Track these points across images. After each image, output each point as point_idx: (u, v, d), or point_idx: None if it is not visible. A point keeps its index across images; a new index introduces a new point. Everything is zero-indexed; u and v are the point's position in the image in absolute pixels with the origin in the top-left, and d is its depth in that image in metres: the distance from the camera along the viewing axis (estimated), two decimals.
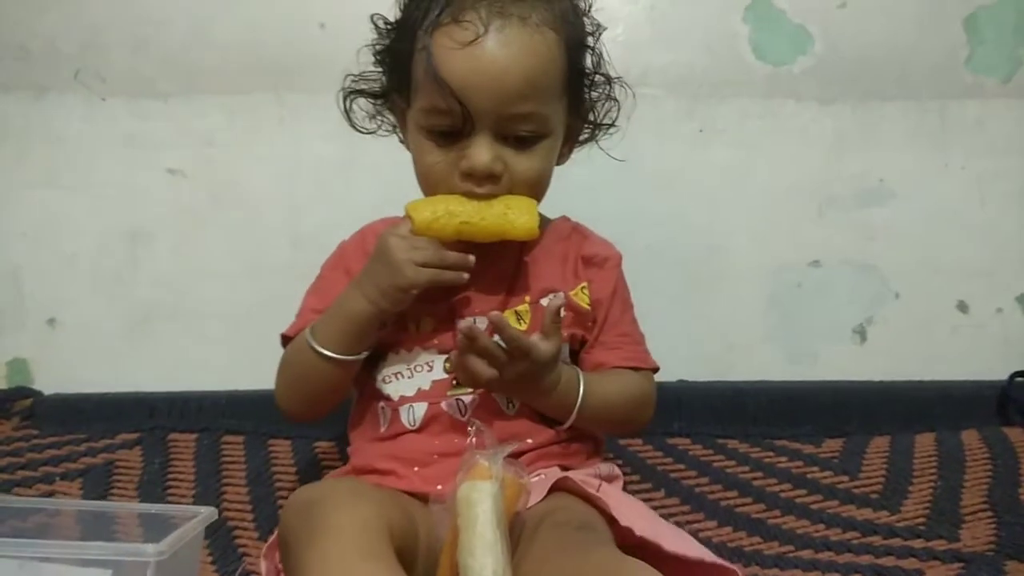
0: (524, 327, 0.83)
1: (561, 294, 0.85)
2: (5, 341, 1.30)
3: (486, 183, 0.79)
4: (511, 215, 0.79)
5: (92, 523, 0.77)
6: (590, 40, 0.85)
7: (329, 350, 0.79)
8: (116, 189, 1.30)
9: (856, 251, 1.33)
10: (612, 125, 0.90)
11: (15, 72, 1.30)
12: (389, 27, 0.86)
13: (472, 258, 0.79)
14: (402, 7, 0.85)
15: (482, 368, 0.76)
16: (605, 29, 0.87)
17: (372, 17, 0.86)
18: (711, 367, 1.28)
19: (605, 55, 0.87)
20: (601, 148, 0.92)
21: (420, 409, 0.81)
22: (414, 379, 0.82)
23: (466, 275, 0.79)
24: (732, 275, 1.33)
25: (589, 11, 0.86)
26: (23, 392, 1.23)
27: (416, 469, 0.79)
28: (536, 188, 0.83)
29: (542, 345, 0.77)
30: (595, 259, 0.90)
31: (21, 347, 1.30)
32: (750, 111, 1.33)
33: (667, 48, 1.34)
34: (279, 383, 0.86)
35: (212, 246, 1.31)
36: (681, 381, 1.26)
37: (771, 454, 1.10)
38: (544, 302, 0.85)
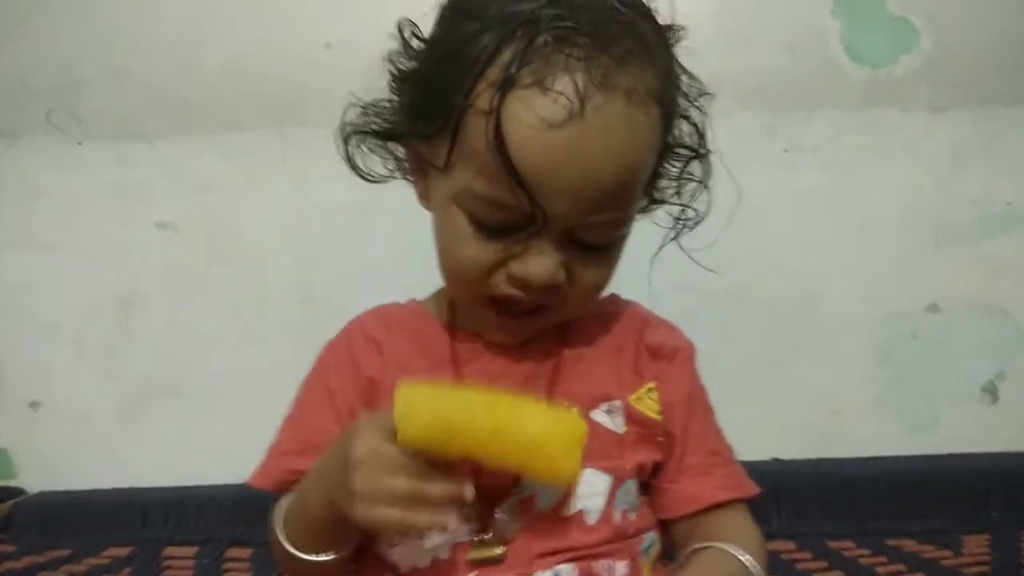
0: None
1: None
2: None
3: (540, 295, 0.60)
4: (545, 450, 0.56)
5: None
6: (686, 103, 0.67)
7: (300, 551, 0.61)
8: (100, 248, 1.12)
9: (981, 291, 1.10)
10: (697, 221, 0.72)
11: None
12: (428, 52, 0.63)
13: (471, 492, 0.56)
14: (448, 18, 0.62)
15: None
16: (709, 95, 0.69)
17: (400, 25, 0.65)
18: (810, 440, 1.06)
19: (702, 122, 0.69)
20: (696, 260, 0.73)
21: None
22: (425, 540, 0.62)
23: (451, 522, 0.56)
24: (832, 325, 1.10)
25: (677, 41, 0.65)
26: (3, 494, 1.06)
27: None
28: (597, 296, 0.65)
29: None
30: (663, 350, 0.70)
31: (1, 435, 1.13)
32: (845, 125, 1.11)
33: (741, 51, 1.11)
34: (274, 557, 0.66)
35: (211, 309, 1.12)
36: (775, 460, 1.04)
37: (903, 568, 0.88)
38: (597, 415, 0.65)
